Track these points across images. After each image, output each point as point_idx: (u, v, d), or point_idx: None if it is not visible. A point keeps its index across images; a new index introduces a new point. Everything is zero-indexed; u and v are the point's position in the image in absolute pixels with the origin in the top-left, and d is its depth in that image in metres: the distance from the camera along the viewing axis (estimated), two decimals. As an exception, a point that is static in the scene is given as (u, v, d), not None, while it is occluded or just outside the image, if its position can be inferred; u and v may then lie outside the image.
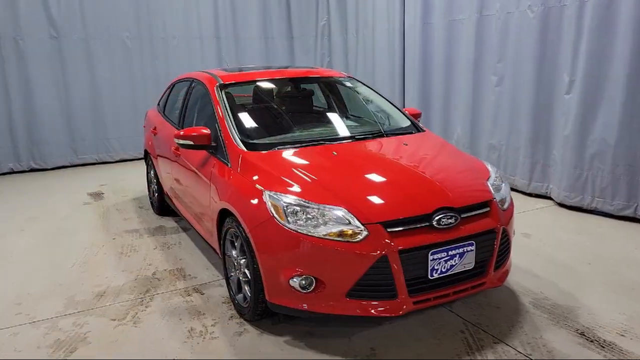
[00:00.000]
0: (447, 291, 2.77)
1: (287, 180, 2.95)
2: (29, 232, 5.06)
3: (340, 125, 3.91)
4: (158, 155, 4.95)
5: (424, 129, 3.90)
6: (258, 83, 4.19)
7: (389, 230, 2.65)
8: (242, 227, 2.96)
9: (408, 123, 3.94)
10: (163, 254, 4.34)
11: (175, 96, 5.07)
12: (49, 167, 7.93)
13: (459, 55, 6.33)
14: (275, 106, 4.11)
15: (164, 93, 5.35)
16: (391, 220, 2.68)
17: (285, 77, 4.34)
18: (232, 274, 3.32)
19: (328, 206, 2.72)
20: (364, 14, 8.17)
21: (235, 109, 3.75)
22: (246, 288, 3.10)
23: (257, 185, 2.95)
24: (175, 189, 4.48)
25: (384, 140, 3.59)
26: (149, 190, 5.72)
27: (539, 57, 5.27)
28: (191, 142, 3.50)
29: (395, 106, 4.16)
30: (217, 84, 3.97)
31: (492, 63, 5.85)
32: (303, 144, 3.39)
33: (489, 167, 3.36)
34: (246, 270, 3.06)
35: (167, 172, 4.67)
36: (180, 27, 8.48)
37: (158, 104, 5.46)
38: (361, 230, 2.64)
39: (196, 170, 3.72)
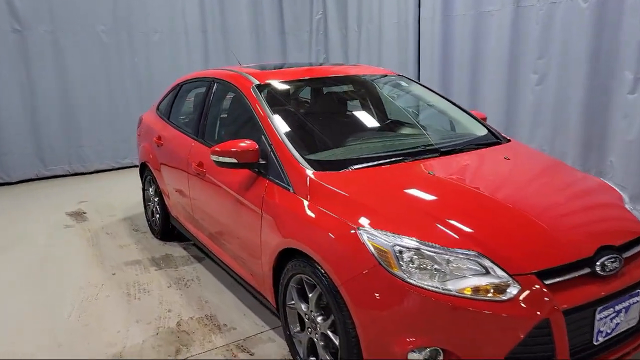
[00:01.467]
0: (609, 357, 2.11)
1: (387, 212, 2.22)
2: (3, 269, 4.12)
3: (414, 135, 3.19)
4: (163, 170, 4.10)
5: (507, 137, 3.23)
6: (302, 83, 3.43)
7: (546, 282, 1.96)
8: (324, 276, 2.21)
9: (484, 131, 3.26)
10: (182, 295, 3.52)
11: (182, 99, 4.23)
12: (13, 181, 6.86)
13: (488, 51, 5.72)
14: (330, 112, 3.36)
15: (166, 96, 4.49)
16: (548, 268, 1.99)
17: (334, 75, 3.58)
18: (296, 330, 2.56)
19: (459, 250, 2.00)
20: (368, 6, 7.48)
21: (286, 116, 2.98)
22: (327, 357, 2.35)
23: (347, 220, 2.20)
24: (191, 211, 3.66)
25: (477, 154, 2.89)
26: (146, 211, 4.85)
27: (592, 52, 4.71)
28: (234, 160, 2.72)
29: (463, 110, 3.47)
30: (253, 84, 3.19)
31: (531, 59, 5.26)
32: (382, 161, 2.65)
33: (613, 186, 2.73)
34: (329, 333, 2.30)
35: (179, 191, 3.84)
36: (163, 19, 7.56)
37: (158, 109, 4.60)
38: (510, 284, 1.93)
39: (236, 195, 2.93)
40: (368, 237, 2.09)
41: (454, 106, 3.52)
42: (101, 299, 3.51)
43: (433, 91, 3.66)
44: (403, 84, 3.65)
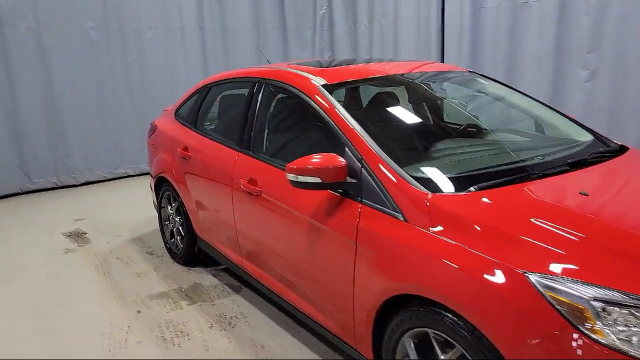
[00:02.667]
0: None
1: (558, 249, 1.70)
2: (3, 308, 3.45)
3: (523, 145, 2.68)
4: (192, 186, 3.50)
5: (624, 145, 2.74)
6: (379, 82, 2.87)
7: None
8: (473, 334, 1.68)
9: (589, 137, 2.77)
10: (229, 338, 2.93)
11: (212, 104, 3.64)
12: (-6, 196, 6.13)
13: (526, 46, 5.28)
14: (418, 117, 2.82)
15: (188, 99, 3.88)
16: None
17: (411, 72, 3.03)
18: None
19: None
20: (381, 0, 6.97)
21: (374, 123, 2.44)
22: None
23: (502, 260, 1.68)
24: (236, 237, 3.07)
25: (613, 167, 2.38)
26: (163, 231, 4.21)
27: (653, 45, 4.31)
28: (318, 180, 2.16)
29: (559, 112, 2.98)
30: (319, 85, 2.63)
31: (579, 54, 4.84)
32: (507, 178, 2.13)
33: None
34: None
35: (217, 212, 3.26)
36: (157, 15, 6.88)
37: (176, 114, 3.98)
38: None
39: (311, 220, 2.36)
40: (546, 286, 1.57)
41: (542, 105, 3.03)
42: (131, 347, 2.90)
43: (513, 88, 3.16)
44: (482, 81, 3.13)
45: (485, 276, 1.68)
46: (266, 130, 2.95)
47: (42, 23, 6.10)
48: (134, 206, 5.57)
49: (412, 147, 2.44)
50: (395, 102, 2.83)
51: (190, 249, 3.79)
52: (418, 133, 2.58)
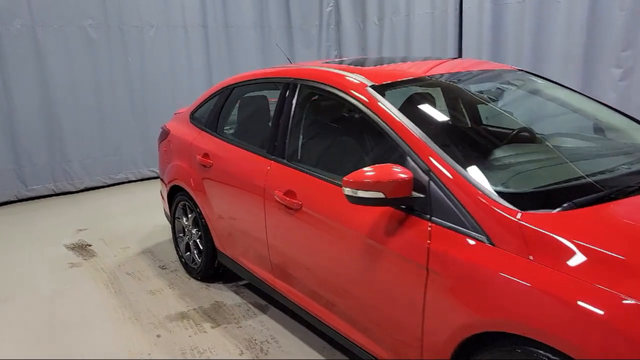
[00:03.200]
0: None
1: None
2: (6, 333, 3.13)
3: (599, 152, 2.42)
4: (214, 197, 3.20)
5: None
6: (431, 82, 2.59)
7: None
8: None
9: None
10: (264, 367, 2.65)
11: (234, 107, 3.35)
12: (-12, 205, 5.78)
13: (553, 43, 5.04)
14: (482, 123, 2.54)
15: (206, 102, 3.58)
16: None
17: (464, 71, 2.75)
18: None
19: None
20: (393, -4, 6.71)
21: (437, 129, 2.16)
22: None
23: (625, 294, 1.41)
24: (268, 253, 2.78)
25: None
26: (177, 244, 3.91)
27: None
28: (381, 195, 1.88)
29: (624, 114, 2.72)
30: (366, 86, 2.35)
31: (613, 52, 4.62)
32: (602, 193, 1.86)
33: None
34: None
35: (245, 225, 2.96)
36: (159, 13, 6.56)
37: (192, 117, 3.68)
38: None
39: (368, 239, 2.08)
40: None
41: (603, 107, 2.77)
42: (155, 379, 2.60)
43: (570, 88, 2.90)
44: (538, 80, 2.86)
45: (598, 310, 1.41)
46: (304, 137, 2.66)
47: (37, 20, 5.75)
48: (139, 214, 5.25)
49: (484, 156, 2.17)
50: (456, 104, 2.55)
51: (209, 264, 3.50)
52: (487, 140, 2.30)
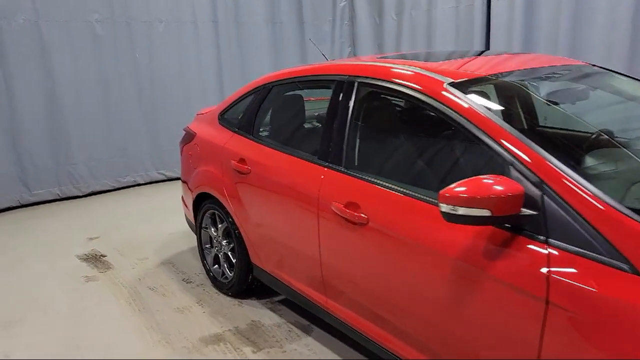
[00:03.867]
0: None
1: None
2: (17, 356, 2.81)
3: None
4: (252, 207, 2.90)
5: None
6: (515, 79, 2.30)
7: None
8: None
9: None
10: (321, 400, 2.35)
11: (273, 108, 3.04)
12: (-10, 211, 5.44)
13: (594, 37, 4.77)
14: (588, 126, 2.25)
15: (238, 101, 3.28)
16: None
17: (548, 66, 2.45)
18: None
19: None
20: (413, -11, 6.43)
21: (541, 134, 1.88)
22: None
23: None
24: (320, 271, 2.49)
25: None
26: (203, 256, 3.60)
27: None
28: (487, 213, 1.60)
29: None
30: (444, 84, 2.06)
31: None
32: None
33: None
34: None
35: (291, 239, 2.66)
36: (168, 7, 6.22)
37: (222, 118, 3.38)
38: None
39: (463, 264, 1.80)
40: None
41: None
42: (199, 416, 2.30)
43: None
44: (619, 77, 2.58)
45: None
46: (365, 142, 2.37)
47: (42, 15, 5.41)
48: (153, 220, 4.94)
49: (601, 165, 1.88)
50: (552, 104, 2.26)
51: (243, 279, 3.20)
52: (602, 148, 2.01)
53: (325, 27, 7.56)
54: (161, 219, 4.97)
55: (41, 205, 5.71)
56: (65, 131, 5.74)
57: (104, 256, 4.16)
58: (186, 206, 3.81)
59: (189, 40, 6.45)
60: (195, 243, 4.18)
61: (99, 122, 5.97)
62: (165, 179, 6.55)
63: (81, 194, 5.96)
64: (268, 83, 3.03)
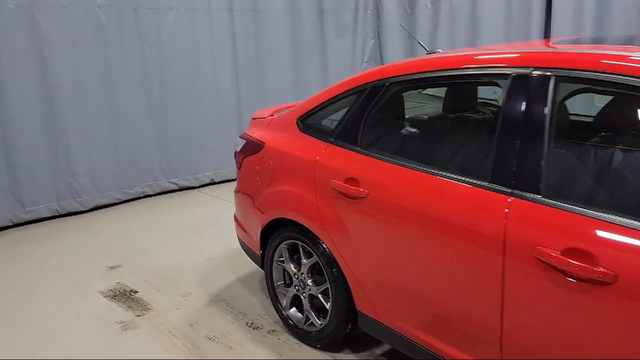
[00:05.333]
0: None
1: None
2: None
3: None
4: (368, 242, 2.22)
5: None
6: None
7: None
8: None
9: None
10: None
11: (388, 112, 2.36)
12: (-22, 233, 4.58)
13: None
14: None
15: (330, 103, 2.56)
16: None
17: None
18: None
19: None
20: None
21: None
22: None
23: None
24: (496, 335, 1.83)
25: None
26: (275, 297, 2.89)
27: None
28: None
29: None
30: None
31: None
32: None
33: None
34: None
35: (445, 288, 1.99)
36: (180, -8, 5.45)
37: (304, 124, 2.66)
38: None
39: None
40: None
41: None
42: None
43: None
44: None
45: None
46: (582, 159, 1.71)
47: (36, 0, 4.56)
48: (179, 242, 4.20)
49: None
50: None
51: (340, 329, 2.51)
52: None
53: (345, 17, 6.87)
54: (188, 239, 4.22)
55: (37, 223, 4.87)
56: (64, 136, 4.91)
57: (135, 292, 3.39)
58: (243, 229, 3.09)
59: (202, 31, 5.67)
60: (246, 271, 3.49)
61: (102, 124, 5.15)
62: (177, 188, 5.77)
63: (84, 209, 5.13)
64: (381, 80, 2.33)
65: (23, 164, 4.72)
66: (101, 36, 4.99)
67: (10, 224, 4.75)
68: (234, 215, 3.28)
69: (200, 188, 5.92)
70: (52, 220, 4.95)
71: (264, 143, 2.83)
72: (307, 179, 2.49)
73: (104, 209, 5.24)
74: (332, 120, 2.56)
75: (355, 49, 6.97)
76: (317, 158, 2.46)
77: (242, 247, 3.21)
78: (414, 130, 2.31)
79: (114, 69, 5.11)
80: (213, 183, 6.05)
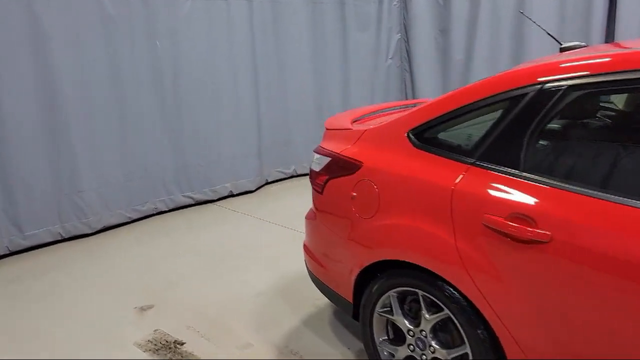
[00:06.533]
0: None
1: None
2: None
3: None
4: (558, 301, 1.64)
5: None
6: None
7: None
8: None
9: None
10: None
11: (571, 124, 1.80)
12: (-32, 264, 3.85)
13: None
14: None
15: (460, 113, 1.97)
16: None
17: None
18: None
19: None
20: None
21: None
22: None
23: None
24: None
25: None
26: (376, 351, 2.29)
27: None
28: None
29: None
30: None
31: None
32: None
33: None
34: None
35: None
36: (196, -21, 4.79)
37: (420, 137, 2.07)
38: None
39: None
40: None
41: None
42: None
43: None
44: None
45: None
46: None
47: (33, -13, 3.87)
48: (217, 270, 3.58)
49: None
50: None
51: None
52: None
53: (368, 8, 6.30)
54: (225, 269, 3.60)
55: (38, 250, 4.17)
56: (67, 146, 4.22)
57: (181, 344, 2.75)
58: (321, 265, 2.49)
59: (219, 24, 5.03)
60: (309, 310, 2.91)
61: (110, 132, 4.47)
62: (193, 203, 5.12)
63: (90, 231, 4.44)
64: (551, 82, 1.75)
65: (21, 180, 4.02)
66: (109, 30, 4.31)
67: (6, 252, 4.04)
68: (304, 245, 2.69)
69: (218, 202, 5.28)
70: (55, 245, 4.26)
71: (362, 162, 2.22)
72: (438, 212, 1.90)
73: (112, 230, 4.56)
74: (466, 134, 1.97)
75: (379, 43, 6.39)
76: (455, 184, 1.87)
77: (318, 285, 2.61)
78: (612, 151, 1.73)
79: (122, 67, 4.44)
80: (231, 195, 5.41)
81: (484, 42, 5.43)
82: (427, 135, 2.07)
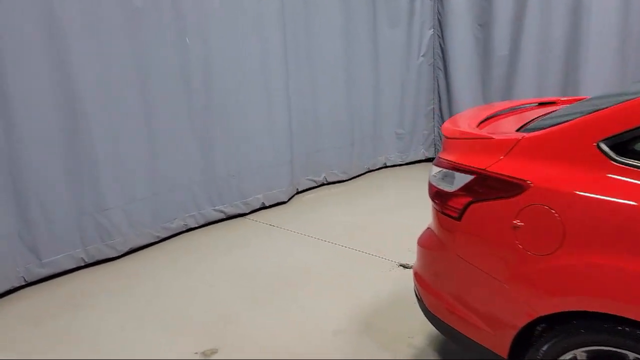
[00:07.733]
0: None
1: None
2: None
3: None
4: None
5: None
6: None
7: None
8: None
9: None
10: None
11: None
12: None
13: None
14: None
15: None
16: None
17: None
18: None
19: None
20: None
21: None
22: None
23: None
24: None
25: None
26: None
27: None
28: None
29: None
30: None
31: None
32: None
33: None
34: None
35: None
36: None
37: (613, 147, 1.61)
38: None
39: None
40: None
41: None
42: None
43: None
44: None
45: None
46: None
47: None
48: (275, 302, 3.09)
49: None
50: None
51: None
52: None
53: (400, 2, 5.84)
54: (284, 299, 3.11)
55: (58, 279, 3.60)
56: (89, 159, 3.66)
57: (270, 404, 2.24)
58: (454, 308, 2.02)
59: (250, 19, 4.51)
60: (404, 351, 2.41)
61: (136, 141, 3.92)
62: (225, 217, 4.61)
63: (116, 254, 3.89)
64: None
65: (38, 200, 3.45)
66: (135, 26, 3.76)
67: (22, 283, 3.47)
68: (418, 275, 2.22)
69: (250, 215, 4.77)
70: (77, 272, 3.70)
71: (529, 182, 1.75)
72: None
73: (140, 252, 4.02)
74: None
75: (410, 40, 5.94)
76: None
77: (443, 330, 2.14)
78: None
79: (148, 68, 3.89)
80: (264, 207, 4.90)
81: (529, 44, 5.01)
82: (631, 147, 1.61)
